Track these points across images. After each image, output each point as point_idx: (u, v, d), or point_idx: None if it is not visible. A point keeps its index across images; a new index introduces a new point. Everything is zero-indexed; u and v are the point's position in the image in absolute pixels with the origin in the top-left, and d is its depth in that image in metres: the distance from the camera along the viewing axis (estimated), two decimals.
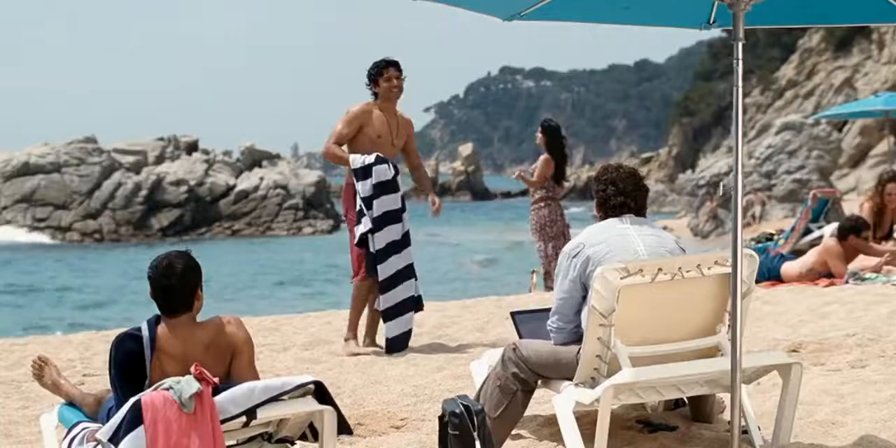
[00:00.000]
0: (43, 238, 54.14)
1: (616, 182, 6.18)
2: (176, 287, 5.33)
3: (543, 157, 13.94)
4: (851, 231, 12.77)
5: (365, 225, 9.21)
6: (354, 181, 9.29)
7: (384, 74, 9.40)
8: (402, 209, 9.35)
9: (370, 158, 9.22)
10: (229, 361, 5.42)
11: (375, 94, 9.47)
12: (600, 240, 6.01)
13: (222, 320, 5.45)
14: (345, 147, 9.39)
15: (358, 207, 9.27)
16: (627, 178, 6.21)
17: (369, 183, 9.20)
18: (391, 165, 9.29)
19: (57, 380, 6.12)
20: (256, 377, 5.39)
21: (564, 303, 6.04)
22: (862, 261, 12.98)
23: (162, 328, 5.37)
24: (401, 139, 9.58)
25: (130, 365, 5.32)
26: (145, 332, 5.35)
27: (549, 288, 14.15)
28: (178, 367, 5.29)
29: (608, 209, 6.18)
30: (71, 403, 5.99)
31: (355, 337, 9.47)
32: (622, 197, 6.16)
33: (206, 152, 62.61)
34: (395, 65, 9.46)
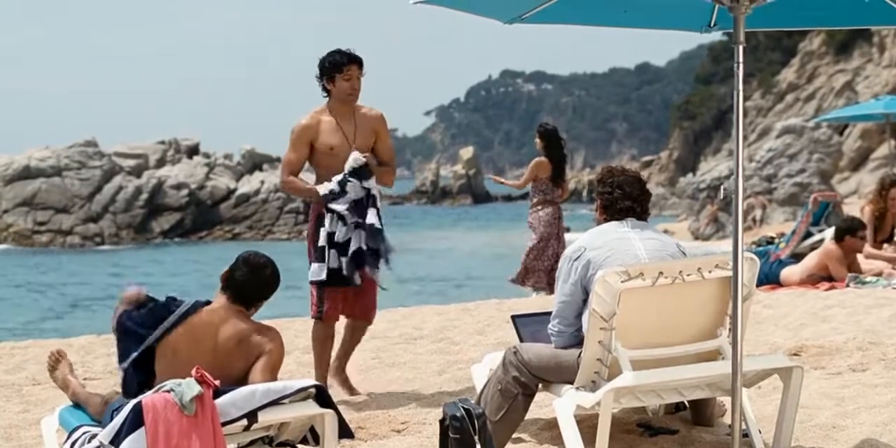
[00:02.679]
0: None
1: (623, 186, 6.16)
2: (256, 284, 5.58)
3: (535, 159, 13.96)
4: (847, 232, 12.78)
5: (316, 274, 7.83)
6: (323, 211, 7.83)
7: (343, 72, 7.79)
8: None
9: (331, 185, 7.76)
10: (253, 362, 5.50)
11: (328, 92, 7.89)
12: (601, 243, 6.01)
13: (263, 325, 5.60)
14: (304, 174, 8.03)
15: (320, 243, 7.81)
16: (634, 183, 6.20)
17: (343, 205, 7.74)
18: (356, 183, 7.78)
19: (67, 377, 6.16)
20: (268, 381, 5.43)
21: (566, 306, 6.04)
22: (862, 262, 12.97)
23: (207, 310, 5.57)
24: (364, 141, 7.91)
25: (141, 327, 5.57)
26: (184, 308, 5.55)
27: (524, 284, 14.22)
28: (191, 348, 5.45)
29: (614, 212, 6.16)
30: (74, 405, 6.00)
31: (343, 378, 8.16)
32: (629, 201, 6.15)
33: (206, 156, 62.61)
34: (357, 62, 7.83)
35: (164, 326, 5.53)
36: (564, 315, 6.06)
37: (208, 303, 5.61)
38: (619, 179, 6.20)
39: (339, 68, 7.78)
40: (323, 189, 7.75)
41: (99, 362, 9.41)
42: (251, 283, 5.60)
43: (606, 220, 6.18)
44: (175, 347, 5.49)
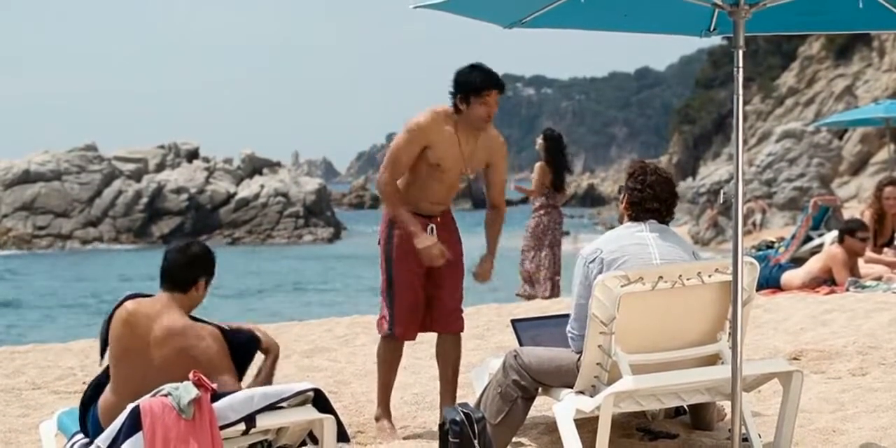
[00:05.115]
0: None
1: (654, 186, 6.11)
2: (180, 262, 5.53)
3: (538, 164, 13.98)
4: (848, 232, 12.78)
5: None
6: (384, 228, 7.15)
7: (482, 96, 6.83)
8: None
9: (427, 240, 6.94)
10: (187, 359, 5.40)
11: (458, 111, 6.90)
12: (617, 247, 5.98)
13: (204, 331, 5.43)
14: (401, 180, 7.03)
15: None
16: (664, 184, 6.14)
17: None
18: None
19: None
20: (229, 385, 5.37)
21: (581, 309, 5.97)
22: (861, 267, 12.97)
23: (143, 299, 5.54)
24: (475, 166, 7.10)
25: (106, 326, 5.58)
26: (119, 299, 5.57)
27: (525, 296, 14.16)
28: (128, 340, 5.44)
29: (640, 211, 6.11)
30: (73, 410, 6.00)
31: (388, 414, 7.19)
32: (657, 203, 6.11)
33: (206, 160, 62.68)
34: (500, 88, 6.90)
35: (105, 319, 5.55)
36: (582, 317, 5.97)
37: (147, 296, 5.61)
38: (651, 178, 6.12)
39: (478, 92, 6.82)
40: (420, 243, 6.91)
41: (98, 366, 9.39)
42: (177, 262, 5.56)
43: (630, 217, 6.14)
44: (115, 336, 5.49)
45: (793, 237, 16.19)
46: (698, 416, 6.54)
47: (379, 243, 7.15)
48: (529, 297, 14.02)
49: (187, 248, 5.61)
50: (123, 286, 36.01)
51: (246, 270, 42.34)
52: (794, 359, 8.45)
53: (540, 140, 14.11)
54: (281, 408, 5.20)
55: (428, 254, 6.90)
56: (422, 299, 7.09)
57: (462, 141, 6.91)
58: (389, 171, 6.94)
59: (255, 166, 62.71)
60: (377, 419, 7.08)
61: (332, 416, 5.31)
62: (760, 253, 15.68)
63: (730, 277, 5.72)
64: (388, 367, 7.16)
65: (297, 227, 58.98)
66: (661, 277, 5.74)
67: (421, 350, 9.68)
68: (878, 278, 12.67)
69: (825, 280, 12.78)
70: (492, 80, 6.84)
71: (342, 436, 5.39)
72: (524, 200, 14.68)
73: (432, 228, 7.05)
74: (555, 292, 14.08)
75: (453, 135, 6.90)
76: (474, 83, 6.82)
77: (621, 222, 6.23)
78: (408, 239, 6.96)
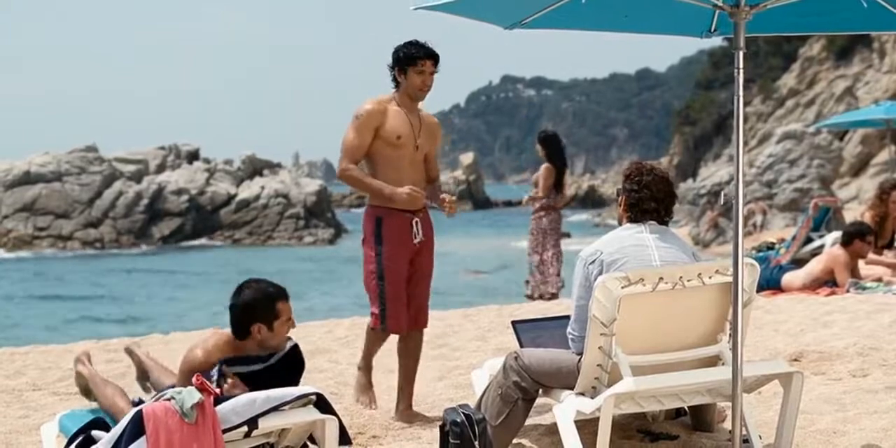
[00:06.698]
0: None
1: (650, 186, 6.10)
2: (234, 309, 5.74)
3: (544, 166, 13.99)
4: (856, 235, 12.77)
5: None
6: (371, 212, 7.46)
7: (417, 65, 7.32)
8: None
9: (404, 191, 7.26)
10: None
11: (397, 84, 7.43)
12: (617, 248, 5.98)
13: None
14: (363, 164, 7.45)
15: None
16: (661, 183, 6.13)
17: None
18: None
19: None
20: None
21: (581, 310, 5.97)
22: (861, 268, 12.97)
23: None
24: (426, 142, 7.50)
25: None
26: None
27: (531, 297, 14.19)
28: None
29: (638, 212, 6.12)
30: (74, 412, 6.01)
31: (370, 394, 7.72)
32: (654, 202, 6.11)
33: (207, 161, 62.70)
34: (433, 57, 7.36)
35: None
36: (583, 319, 5.96)
37: None
38: (647, 179, 6.12)
39: (413, 61, 7.32)
40: (400, 194, 7.23)
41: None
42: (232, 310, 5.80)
43: (629, 219, 6.13)
44: None
45: (793, 238, 16.20)
46: (699, 418, 6.54)
47: (363, 241, 7.44)
48: (542, 296, 14.05)
49: (239, 291, 5.75)
50: None
51: (246, 271, 42.36)
52: (795, 360, 8.45)
53: (538, 146, 14.14)
54: (282, 410, 5.21)
55: (412, 196, 7.25)
56: (407, 293, 7.44)
57: (409, 115, 7.40)
58: (346, 160, 7.37)
59: (256, 167, 62.71)
60: (358, 400, 7.64)
61: (334, 418, 5.31)
62: (761, 254, 15.68)
63: (730, 279, 5.73)
64: (370, 352, 7.72)
65: (297, 229, 58.94)
66: (661, 279, 5.74)
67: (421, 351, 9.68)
68: (878, 279, 12.68)
69: (826, 281, 12.78)
70: (426, 50, 7.34)
71: (343, 437, 5.40)
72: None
73: (416, 222, 7.40)
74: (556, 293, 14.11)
75: (399, 110, 7.39)
76: (410, 54, 7.33)
77: (620, 225, 6.23)
78: (397, 233, 7.33)
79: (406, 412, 7.39)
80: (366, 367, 7.74)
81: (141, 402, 5.74)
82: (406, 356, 7.63)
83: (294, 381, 5.61)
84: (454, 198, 7.48)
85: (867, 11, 5.67)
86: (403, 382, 7.54)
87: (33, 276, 42.01)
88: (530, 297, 14.23)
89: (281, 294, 5.73)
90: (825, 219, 16.72)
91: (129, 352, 6.75)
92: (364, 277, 7.44)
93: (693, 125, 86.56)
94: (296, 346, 5.72)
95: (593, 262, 5.96)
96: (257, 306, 5.65)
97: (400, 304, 7.41)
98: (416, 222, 7.40)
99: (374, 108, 7.36)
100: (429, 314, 7.69)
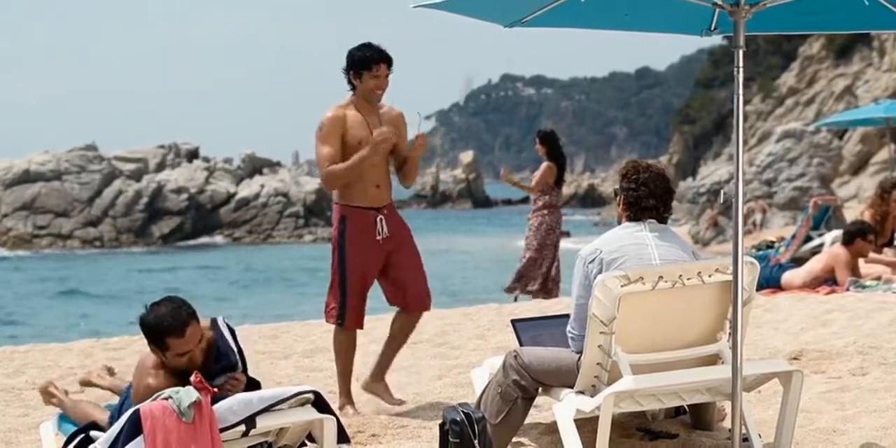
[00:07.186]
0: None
1: (648, 183, 6.09)
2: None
3: (545, 164, 14.01)
4: (858, 234, 12.77)
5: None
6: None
7: (372, 69, 7.50)
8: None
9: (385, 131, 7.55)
10: None
11: (353, 87, 7.63)
12: (616, 247, 5.97)
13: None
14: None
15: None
16: (658, 180, 6.12)
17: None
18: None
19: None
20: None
21: (581, 309, 5.97)
22: (861, 267, 12.97)
23: None
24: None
25: None
26: None
27: (510, 290, 14.22)
28: None
29: (637, 210, 6.10)
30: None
31: (350, 402, 7.69)
32: (653, 200, 6.09)
33: (206, 160, 62.67)
34: (387, 61, 7.55)
35: None
36: (582, 317, 5.96)
37: None
38: (644, 176, 6.10)
39: (367, 65, 7.51)
40: (372, 141, 7.46)
41: (98, 366, 9.38)
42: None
43: (629, 217, 6.12)
44: None
45: (793, 237, 16.21)
46: (698, 416, 6.53)
47: (332, 239, 7.62)
48: (523, 290, 14.07)
49: (148, 310, 5.56)
50: None
51: (246, 270, 42.36)
52: (795, 359, 8.45)
53: (538, 145, 14.18)
54: (280, 409, 5.20)
55: (383, 139, 7.46)
56: (369, 289, 7.63)
57: (367, 118, 7.59)
58: (325, 167, 7.52)
59: (256, 166, 62.69)
60: (341, 408, 7.42)
61: (332, 417, 5.31)
62: (761, 253, 15.70)
63: (730, 277, 5.72)
64: (345, 356, 7.65)
65: (297, 227, 58.94)
66: (661, 277, 5.74)
67: (420, 350, 9.68)
68: (878, 278, 12.68)
69: (826, 280, 12.78)
70: (380, 53, 7.53)
71: (342, 436, 5.39)
72: (524, 200, 14.72)
73: (381, 219, 7.58)
74: (555, 292, 14.09)
75: (357, 114, 7.57)
76: (364, 58, 7.52)
77: (620, 224, 6.22)
78: (360, 231, 7.52)
79: (370, 383, 7.70)
80: (346, 393, 7.67)
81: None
82: (400, 334, 7.78)
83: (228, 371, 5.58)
84: (425, 134, 7.79)
85: (867, 10, 5.67)
86: (385, 360, 7.74)
87: (52, 274, 41.97)
88: (510, 290, 14.25)
89: (174, 330, 5.39)
90: (825, 217, 16.73)
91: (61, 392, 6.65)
92: (330, 273, 7.60)
93: (693, 124, 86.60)
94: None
95: (593, 260, 5.96)
96: (149, 335, 5.49)
97: (360, 301, 7.57)
98: (381, 219, 7.57)
99: (335, 114, 7.58)
100: (426, 301, 7.80)
